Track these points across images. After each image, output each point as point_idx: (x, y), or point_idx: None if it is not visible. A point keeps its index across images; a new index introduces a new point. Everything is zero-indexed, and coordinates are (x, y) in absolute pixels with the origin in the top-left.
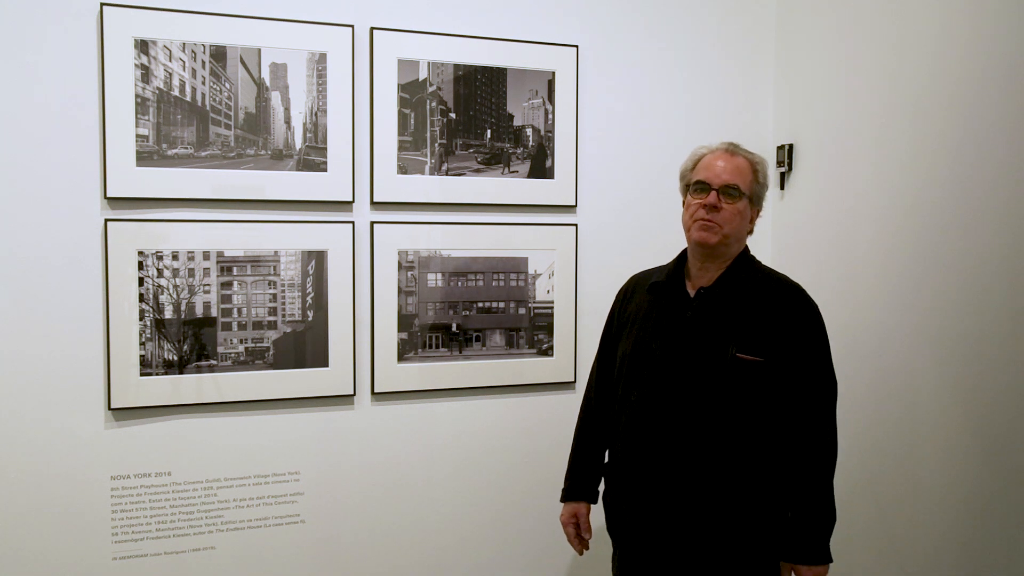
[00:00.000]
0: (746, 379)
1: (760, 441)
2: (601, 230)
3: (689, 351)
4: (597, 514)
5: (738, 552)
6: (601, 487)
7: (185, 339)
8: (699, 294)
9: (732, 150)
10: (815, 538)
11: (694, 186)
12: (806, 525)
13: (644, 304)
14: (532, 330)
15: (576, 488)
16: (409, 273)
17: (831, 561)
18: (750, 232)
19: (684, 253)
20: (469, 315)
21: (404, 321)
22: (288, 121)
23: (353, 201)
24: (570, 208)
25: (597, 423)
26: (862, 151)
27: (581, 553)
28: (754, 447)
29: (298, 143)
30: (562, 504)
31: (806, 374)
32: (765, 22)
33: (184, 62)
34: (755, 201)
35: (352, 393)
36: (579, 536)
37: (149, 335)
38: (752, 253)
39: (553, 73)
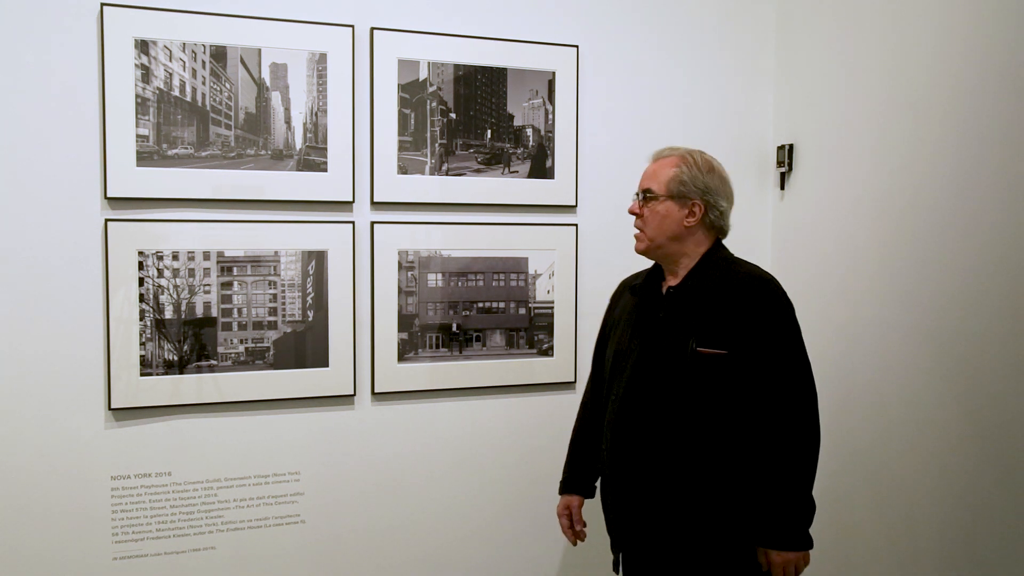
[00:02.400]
0: (709, 372)
1: (730, 432)
2: (601, 230)
3: (657, 348)
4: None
5: (713, 540)
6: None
7: (185, 339)
8: (668, 293)
9: (658, 155)
10: (784, 523)
11: None
12: (775, 510)
13: (628, 306)
14: (532, 330)
15: (569, 481)
16: (409, 273)
17: (804, 548)
18: (717, 228)
19: None
20: (469, 315)
21: (404, 321)
22: (288, 121)
23: (353, 201)
24: (570, 208)
25: (591, 420)
26: (862, 151)
27: (575, 543)
28: (723, 438)
29: (298, 143)
30: (559, 497)
31: (770, 364)
32: (765, 22)
33: (184, 62)
34: (680, 197)
35: (352, 393)
36: (572, 528)
37: (149, 335)
38: (727, 249)
39: (553, 73)
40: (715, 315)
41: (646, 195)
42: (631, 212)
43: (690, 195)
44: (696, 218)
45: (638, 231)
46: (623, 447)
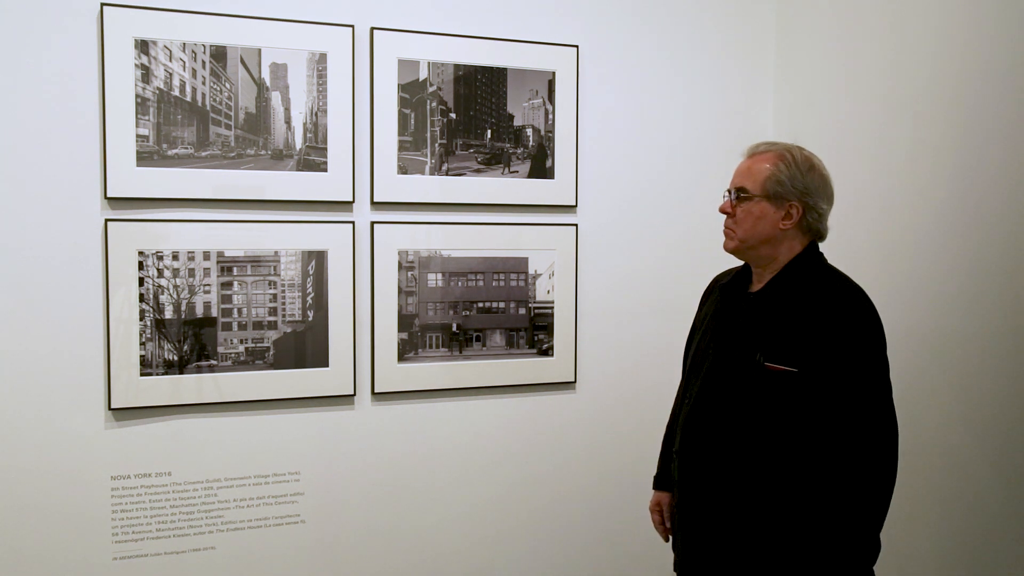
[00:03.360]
0: (776, 390)
1: (797, 457)
2: (601, 230)
3: (729, 358)
4: None
5: (768, 563)
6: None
7: (185, 339)
8: (748, 299)
9: (753, 151)
10: (845, 561)
11: None
12: (836, 546)
13: (714, 304)
14: (532, 330)
15: (659, 477)
16: (409, 273)
17: None
18: (814, 231)
19: None
20: (469, 315)
21: (404, 321)
22: (288, 121)
23: (353, 201)
24: (570, 208)
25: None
26: (862, 151)
27: (667, 540)
28: (789, 462)
29: (298, 143)
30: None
31: (844, 389)
32: (765, 22)
33: (184, 62)
34: (776, 198)
35: (352, 393)
36: (663, 523)
37: (149, 335)
38: (822, 255)
39: (553, 73)
40: (789, 328)
41: (739, 194)
42: (722, 211)
43: (788, 196)
44: (793, 221)
45: (728, 229)
46: (690, 454)
